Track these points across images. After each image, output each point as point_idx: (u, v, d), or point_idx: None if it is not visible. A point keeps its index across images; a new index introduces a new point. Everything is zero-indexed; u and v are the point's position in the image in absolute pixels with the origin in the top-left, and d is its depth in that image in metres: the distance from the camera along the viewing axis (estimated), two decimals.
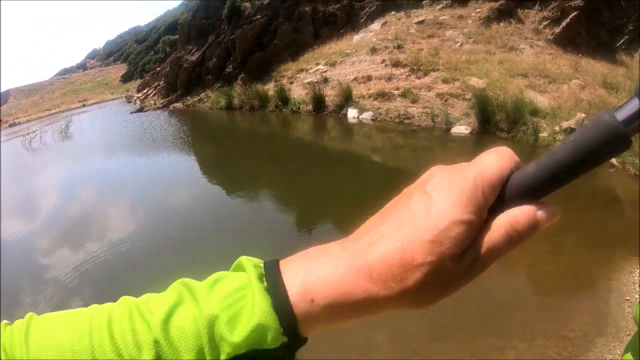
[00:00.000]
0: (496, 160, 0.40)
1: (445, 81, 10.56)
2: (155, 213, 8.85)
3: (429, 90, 10.60)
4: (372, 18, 17.01)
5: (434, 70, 11.26)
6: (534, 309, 3.84)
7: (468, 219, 0.37)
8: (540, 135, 7.41)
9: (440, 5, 14.94)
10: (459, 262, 0.37)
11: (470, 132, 8.57)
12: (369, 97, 12.09)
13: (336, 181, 8.12)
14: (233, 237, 6.59)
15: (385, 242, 0.38)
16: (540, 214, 0.38)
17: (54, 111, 54.28)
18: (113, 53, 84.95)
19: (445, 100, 9.91)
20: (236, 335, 0.36)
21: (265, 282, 0.39)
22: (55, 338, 0.38)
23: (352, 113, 12.02)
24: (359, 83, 13.10)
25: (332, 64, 15.31)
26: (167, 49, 36.37)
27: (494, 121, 8.27)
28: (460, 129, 8.75)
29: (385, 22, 15.77)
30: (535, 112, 8.09)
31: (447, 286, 0.38)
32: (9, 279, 7.09)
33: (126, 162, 15.03)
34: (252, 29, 20.23)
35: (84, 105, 52.12)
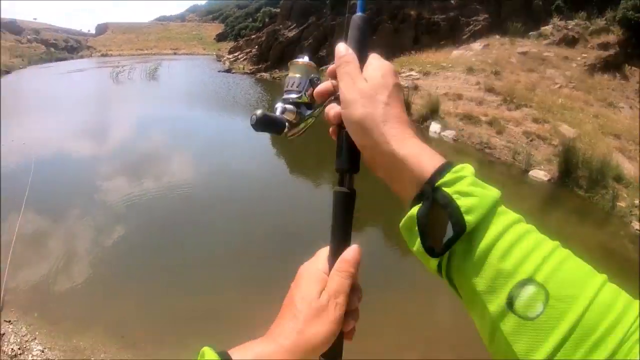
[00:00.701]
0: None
1: (535, 120, 10.55)
2: (214, 169, 9.63)
3: (517, 126, 10.63)
4: (475, 37, 17.01)
5: (526, 106, 11.26)
6: None
7: (320, 288, 0.57)
8: (617, 204, 7.25)
9: (547, 41, 14.74)
10: (319, 302, 0.56)
11: (548, 180, 8.48)
12: (455, 116, 12.22)
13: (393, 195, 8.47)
14: (280, 214, 7.14)
15: (281, 326, 0.56)
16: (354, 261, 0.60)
17: (145, 52, 56.90)
18: (213, 12, 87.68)
19: (531, 140, 9.92)
20: None
21: None
22: None
23: (434, 127, 12.17)
24: (448, 99, 13.22)
25: (426, 74, 15.46)
26: (266, 20, 37.40)
27: (575, 176, 8.14)
28: (539, 174, 8.68)
29: (488, 45, 15.73)
30: (619, 177, 7.91)
31: (323, 325, 0.54)
32: (65, 193, 8.08)
33: (202, 114, 16.01)
34: None
35: (175, 53, 54.38)
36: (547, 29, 15.37)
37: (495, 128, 10.86)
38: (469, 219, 0.46)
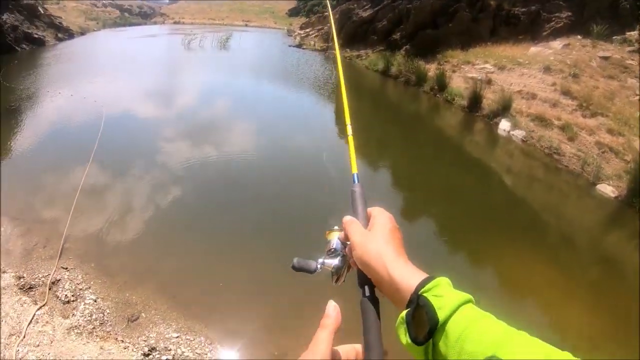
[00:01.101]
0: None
1: (610, 131, 10.42)
2: (274, 143, 10.13)
3: (590, 134, 10.54)
4: (555, 34, 16.61)
5: (602, 115, 11.11)
6: None
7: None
8: None
9: (632, 48, 14.23)
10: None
11: (615, 197, 8.33)
12: (527, 115, 12.17)
13: (456, 183, 8.72)
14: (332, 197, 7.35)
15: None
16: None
17: (217, 22, 57.81)
18: None
19: (603, 152, 9.81)
20: None
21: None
22: None
23: (504, 125, 12.19)
24: (522, 97, 13.15)
25: (501, 68, 15.35)
26: None
27: None
28: (607, 189, 8.58)
29: (568, 44, 15.39)
30: None
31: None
32: (129, 152, 8.87)
33: (269, 89, 16.61)
34: (430, 5, 20.42)
35: (246, 25, 54.99)
36: (632, 34, 14.84)
37: (567, 134, 10.81)
38: (441, 314, 0.59)
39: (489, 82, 14.68)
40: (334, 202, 5.97)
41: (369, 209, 0.85)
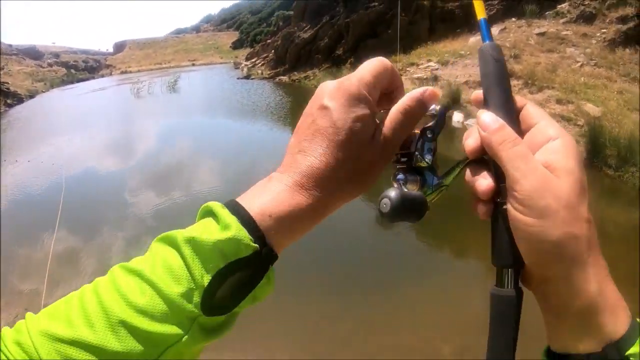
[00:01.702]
0: (370, 66, 0.50)
1: (558, 101, 10.50)
2: (238, 173, 9.86)
3: (541, 108, 10.58)
4: (491, 21, 16.60)
5: (548, 88, 11.20)
6: None
7: (361, 113, 0.46)
8: None
9: (565, 19, 14.56)
10: (371, 145, 0.48)
11: None
12: None
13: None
14: None
15: (307, 155, 0.46)
16: (425, 94, 0.52)
17: (164, 65, 58.00)
18: (227, 20, 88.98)
19: (556, 122, 9.87)
20: (215, 247, 0.42)
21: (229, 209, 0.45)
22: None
23: (457, 117, 12.20)
24: (469, 87, 13.22)
25: (444, 63, 15.48)
26: (280, 23, 37.69)
27: (603, 155, 7.99)
28: None
29: (505, 28, 15.62)
30: None
31: (372, 166, 0.49)
32: (96, 209, 8.42)
33: (224, 122, 16.35)
34: (367, 15, 20.71)
35: (193, 65, 55.18)
36: (563, 7, 15.16)
37: None
38: None
39: (435, 78, 14.75)
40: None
41: (522, 105, 0.51)
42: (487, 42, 0.54)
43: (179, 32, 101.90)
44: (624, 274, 4.96)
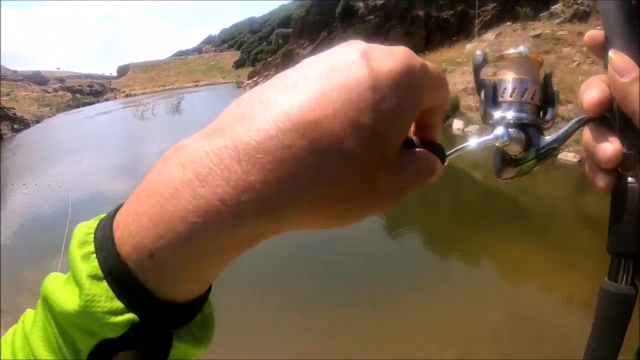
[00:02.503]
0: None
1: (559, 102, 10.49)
2: None
3: None
4: (486, 27, 16.98)
5: None
6: None
7: (413, 113, 0.28)
8: None
9: (559, 20, 14.61)
10: (393, 167, 0.27)
11: (579, 161, 8.31)
12: (477, 110, 12.04)
13: (433, 195, 8.40)
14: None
15: (267, 107, 0.25)
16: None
17: (167, 87, 58.58)
18: (227, 40, 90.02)
19: (556, 123, 9.79)
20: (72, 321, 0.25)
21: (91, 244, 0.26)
22: None
23: (457, 124, 12.19)
24: (468, 94, 13.21)
25: (442, 72, 15.47)
26: (280, 41, 38.10)
27: None
28: (568, 157, 8.55)
29: (500, 33, 15.69)
30: None
31: (375, 200, 0.27)
32: None
33: None
34: (364, 29, 20.86)
35: (196, 85, 55.74)
36: (557, 7, 15.25)
37: None
38: None
39: None
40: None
41: None
42: None
43: (180, 54, 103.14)
44: None
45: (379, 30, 20.37)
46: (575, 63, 12.07)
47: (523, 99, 0.41)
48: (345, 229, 0.31)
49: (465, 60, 15.20)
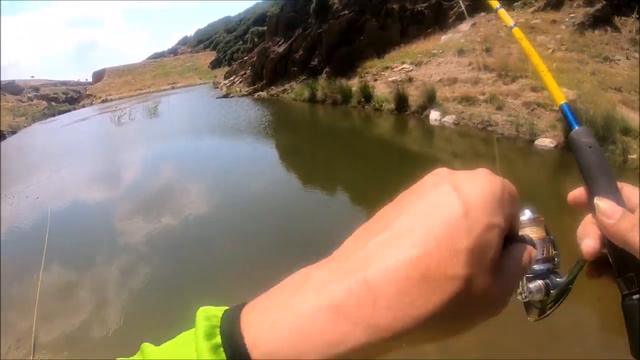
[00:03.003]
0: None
1: (533, 89, 10.39)
2: (228, 195, 9.43)
3: (516, 98, 10.50)
4: (461, 18, 16.86)
5: (522, 77, 11.10)
6: (594, 346, 3.56)
7: (501, 225, 0.32)
8: (629, 156, 7.11)
9: (533, 8, 14.56)
10: (495, 277, 0.31)
11: (555, 146, 8.33)
12: (453, 100, 12.14)
13: (412, 184, 8.17)
14: (295, 228, 6.98)
15: (391, 252, 0.30)
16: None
17: (144, 91, 57.90)
18: (203, 41, 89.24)
19: (532, 110, 9.79)
20: None
21: (219, 337, 0.29)
22: None
23: (434, 115, 12.11)
24: (444, 85, 13.15)
25: (418, 64, 15.41)
26: (255, 40, 37.73)
27: None
28: (545, 142, 8.54)
29: (475, 24, 15.60)
30: (626, 130, 7.74)
31: (484, 309, 0.32)
32: (86, 241, 7.98)
33: (207, 143, 15.91)
34: (339, 24, 20.66)
35: (173, 88, 55.10)
36: None
37: (494, 105, 10.75)
38: None
39: (410, 80, 14.68)
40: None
41: (623, 185, 0.47)
42: (576, 127, 0.52)
43: (156, 56, 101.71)
44: None
45: (354, 24, 20.20)
46: (550, 50, 12.01)
47: (548, 254, 0.48)
48: None
49: (440, 51, 15.12)
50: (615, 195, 0.45)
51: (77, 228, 8.99)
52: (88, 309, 5.53)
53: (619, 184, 0.46)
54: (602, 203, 0.44)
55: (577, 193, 0.49)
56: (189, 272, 6.19)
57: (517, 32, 0.63)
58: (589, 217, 0.47)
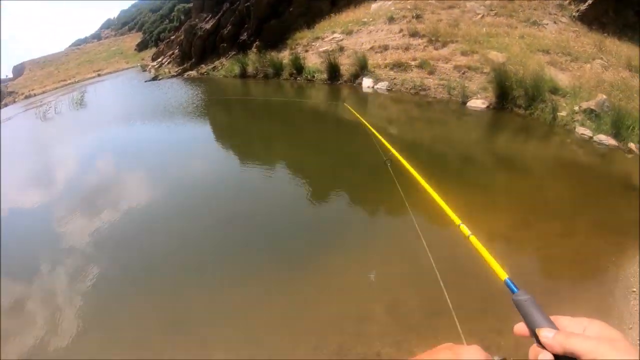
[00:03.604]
0: None
1: (463, 53, 10.30)
2: (169, 181, 8.74)
3: (447, 62, 10.36)
4: None
5: (452, 42, 10.98)
6: (537, 293, 3.50)
7: None
8: (558, 114, 7.14)
9: None
10: None
11: (487, 107, 8.31)
12: (385, 67, 11.90)
13: (349, 152, 7.86)
14: (241, 205, 6.54)
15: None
16: None
17: (69, 82, 54.42)
18: (128, 22, 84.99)
19: (463, 73, 9.68)
20: None
21: None
22: None
23: (367, 82, 11.86)
24: (375, 52, 12.87)
25: (349, 33, 15.04)
26: (182, 17, 36.25)
27: (512, 97, 8.01)
28: (477, 103, 8.49)
29: None
30: (555, 90, 7.80)
31: None
32: (28, 249, 7.11)
33: (140, 130, 14.88)
34: None
35: (99, 75, 52.17)
36: None
37: (426, 69, 10.60)
38: None
39: (342, 49, 14.30)
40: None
41: (556, 317, 0.66)
42: (516, 292, 0.76)
43: (79, 42, 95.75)
44: (553, 200, 4.77)
45: None
46: (479, 16, 11.96)
47: None
48: None
49: (371, 19, 14.80)
50: (550, 323, 0.63)
51: (18, 236, 7.96)
52: (42, 324, 4.97)
53: (551, 317, 0.65)
54: (543, 330, 0.62)
55: (520, 327, 0.67)
56: (139, 264, 5.65)
57: (474, 240, 1.05)
58: (533, 346, 0.63)
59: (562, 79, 8.34)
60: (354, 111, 5.44)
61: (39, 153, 15.72)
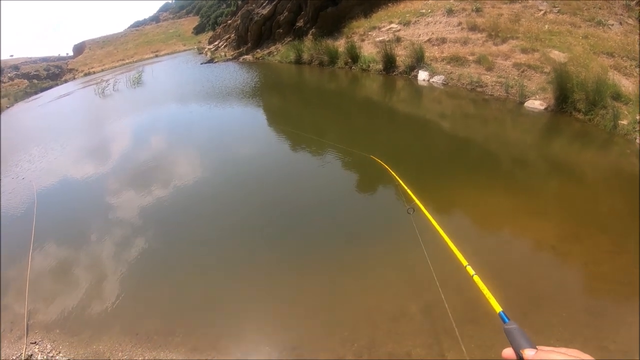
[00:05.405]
0: None
1: (523, 51, 10.16)
2: (220, 161, 9.19)
3: (506, 59, 10.27)
4: None
5: (512, 38, 10.84)
6: (578, 310, 3.53)
7: None
8: (619, 122, 6.90)
9: None
10: None
11: (545, 109, 8.19)
12: (442, 60, 11.89)
13: (402, 144, 8.02)
14: (291, 189, 6.86)
15: None
16: None
17: (127, 61, 56.33)
18: (185, 6, 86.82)
19: (522, 72, 9.57)
20: None
21: None
22: None
23: (422, 75, 11.89)
24: (433, 45, 12.86)
25: (406, 24, 15.03)
26: (239, 2, 36.59)
27: (572, 100, 7.81)
28: (535, 104, 8.40)
29: None
30: (617, 96, 7.54)
31: None
32: (78, 218, 7.72)
33: (194, 109, 15.35)
34: None
35: (156, 56, 53.73)
36: None
37: (484, 65, 10.54)
38: None
39: (398, 40, 14.33)
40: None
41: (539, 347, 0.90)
42: (507, 322, 1.02)
43: (138, 24, 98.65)
44: (605, 213, 4.74)
45: None
46: (541, 12, 11.72)
47: None
48: None
49: (429, 11, 14.73)
50: (532, 345, 0.90)
51: (68, 206, 8.58)
52: (83, 288, 5.41)
53: (538, 346, 0.89)
54: (527, 350, 0.88)
55: (507, 352, 0.92)
56: (187, 241, 6.03)
57: (477, 279, 1.19)
58: None
59: (626, 85, 8.07)
60: (382, 163, 5.60)
61: (96, 127, 16.57)
